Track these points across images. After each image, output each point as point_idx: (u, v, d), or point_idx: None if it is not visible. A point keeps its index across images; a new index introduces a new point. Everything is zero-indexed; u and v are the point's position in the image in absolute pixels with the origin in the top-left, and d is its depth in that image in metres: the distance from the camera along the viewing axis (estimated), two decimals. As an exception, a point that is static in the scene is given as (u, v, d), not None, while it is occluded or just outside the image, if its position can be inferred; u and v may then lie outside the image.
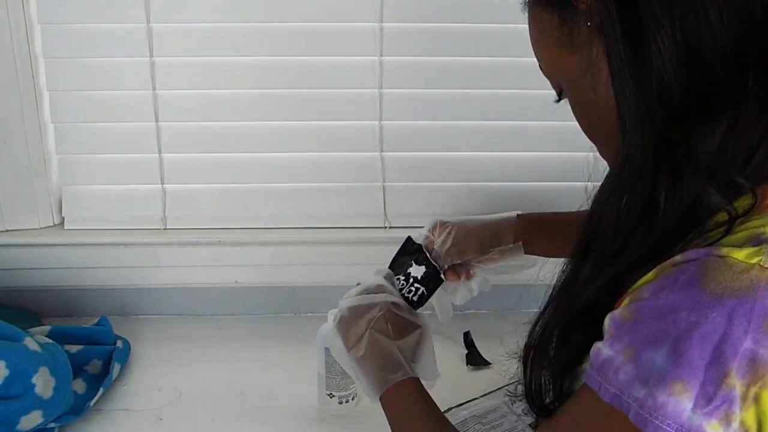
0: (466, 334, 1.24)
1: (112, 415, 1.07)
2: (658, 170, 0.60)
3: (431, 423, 0.82)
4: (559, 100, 0.71)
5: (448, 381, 1.13)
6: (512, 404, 1.07)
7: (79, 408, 1.04)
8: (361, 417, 1.09)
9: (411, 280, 0.96)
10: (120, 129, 1.24)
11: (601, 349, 0.60)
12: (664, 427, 0.55)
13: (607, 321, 0.61)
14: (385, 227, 1.30)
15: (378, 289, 0.92)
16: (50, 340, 1.06)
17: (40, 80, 1.20)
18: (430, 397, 0.85)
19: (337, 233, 1.29)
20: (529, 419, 1.02)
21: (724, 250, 0.56)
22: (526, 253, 0.99)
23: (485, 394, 1.10)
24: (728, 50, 0.57)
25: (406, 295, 0.96)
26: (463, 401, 1.08)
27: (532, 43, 0.71)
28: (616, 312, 0.60)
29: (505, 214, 1.01)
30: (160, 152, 1.25)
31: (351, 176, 1.28)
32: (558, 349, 0.70)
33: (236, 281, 1.31)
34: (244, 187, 1.28)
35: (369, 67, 1.22)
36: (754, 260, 0.55)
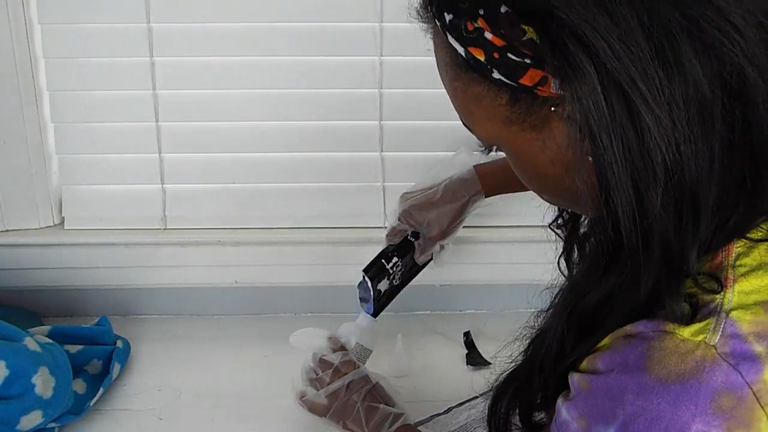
0: (466, 334, 1.24)
1: (112, 415, 1.07)
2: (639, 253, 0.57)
3: None
4: (489, 152, 0.68)
5: (448, 381, 1.14)
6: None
7: (79, 408, 1.04)
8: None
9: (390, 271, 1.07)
10: (120, 129, 1.24)
11: (561, 409, 0.62)
12: None
13: (570, 379, 0.62)
14: (385, 227, 1.29)
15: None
16: (50, 340, 1.06)
17: (40, 80, 1.20)
18: None
19: (337, 233, 1.29)
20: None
21: (670, 326, 0.56)
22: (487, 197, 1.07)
23: (484, 393, 1.10)
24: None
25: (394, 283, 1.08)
26: (463, 401, 1.08)
27: (460, 111, 0.65)
28: (575, 377, 0.61)
29: (463, 175, 1.07)
30: (160, 152, 1.25)
31: (351, 176, 1.28)
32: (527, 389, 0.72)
33: (236, 281, 1.31)
34: (244, 187, 1.28)
35: (369, 67, 1.22)
36: (700, 338, 0.55)
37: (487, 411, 0.75)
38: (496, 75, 0.57)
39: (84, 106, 1.22)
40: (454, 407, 1.07)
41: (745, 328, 0.55)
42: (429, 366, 1.20)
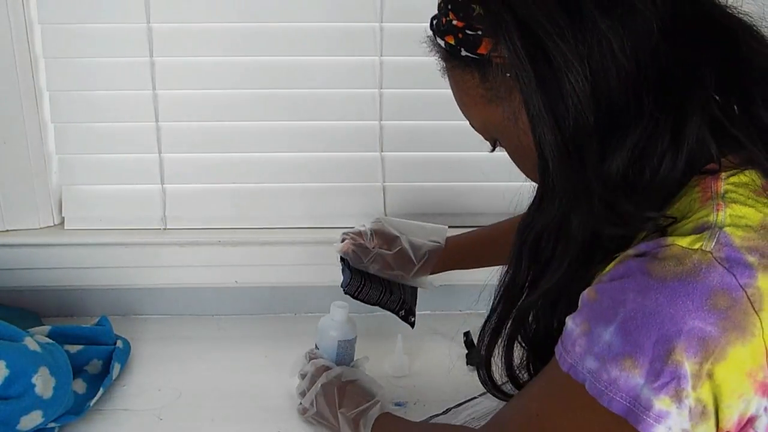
0: (466, 334, 1.24)
1: (112, 415, 1.07)
2: (579, 202, 0.64)
3: None
4: (493, 150, 0.76)
5: (448, 381, 1.14)
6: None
7: (79, 408, 1.04)
8: (361, 417, 1.09)
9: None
10: (120, 129, 1.24)
11: (567, 321, 0.65)
12: (617, 399, 0.60)
13: (582, 294, 0.65)
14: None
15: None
16: (50, 340, 1.06)
17: (40, 80, 1.20)
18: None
19: (337, 233, 1.28)
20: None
21: (669, 240, 0.60)
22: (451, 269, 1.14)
23: (483, 394, 1.10)
24: (631, 77, 0.62)
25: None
26: (462, 401, 1.08)
27: (459, 106, 0.75)
28: (586, 291, 0.64)
29: (433, 245, 1.11)
30: (160, 152, 1.25)
31: (351, 176, 1.28)
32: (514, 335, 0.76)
33: (236, 281, 1.31)
34: (244, 187, 1.28)
35: (369, 67, 1.22)
36: (697, 245, 0.59)
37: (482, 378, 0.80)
38: (463, 53, 0.68)
39: (84, 106, 1.22)
40: (453, 408, 1.07)
41: (737, 242, 0.59)
42: (429, 366, 1.20)
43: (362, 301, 1.08)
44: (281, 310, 1.34)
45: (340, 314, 1.08)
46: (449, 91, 0.76)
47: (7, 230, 1.26)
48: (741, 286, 0.57)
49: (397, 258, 1.09)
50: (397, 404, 1.10)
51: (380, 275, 1.10)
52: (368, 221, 1.12)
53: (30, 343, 1.00)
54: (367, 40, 1.20)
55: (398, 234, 1.10)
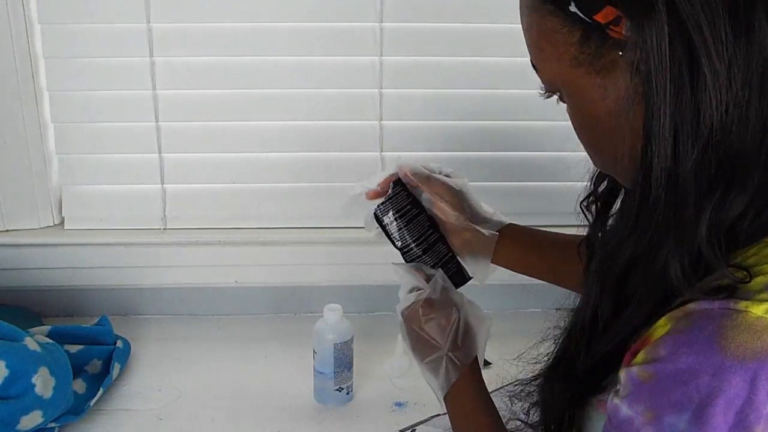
0: (467, 334, 1.24)
1: (112, 415, 1.07)
2: (678, 242, 0.56)
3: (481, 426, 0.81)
4: (548, 97, 0.67)
5: (448, 381, 1.13)
6: (512, 405, 1.06)
7: (79, 408, 1.04)
8: (359, 415, 1.09)
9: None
10: (120, 129, 1.24)
11: (619, 406, 0.58)
12: None
13: (623, 376, 0.59)
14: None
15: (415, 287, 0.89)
16: (50, 340, 1.06)
17: (40, 80, 1.20)
18: (483, 398, 0.84)
19: (337, 233, 1.29)
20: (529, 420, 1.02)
21: (742, 304, 0.53)
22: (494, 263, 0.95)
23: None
24: None
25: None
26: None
27: (531, 49, 0.65)
28: (634, 369, 0.57)
29: (491, 223, 0.96)
30: (160, 152, 1.25)
31: (351, 176, 1.28)
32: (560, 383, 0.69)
33: (236, 281, 1.31)
34: (244, 187, 1.28)
35: (369, 67, 1.22)
36: None
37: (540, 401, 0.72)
38: (572, 8, 0.58)
39: (84, 106, 1.22)
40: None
41: None
42: (429, 366, 1.19)
43: (389, 235, 0.93)
44: (281, 310, 1.34)
45: (333, 317, 1.08)
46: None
47: (7, 230, 1.26)
48: None
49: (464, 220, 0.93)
50: (398, 404, 1.10)
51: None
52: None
53: (30, 343, 1.00)
54: (367, 40, 1.20)
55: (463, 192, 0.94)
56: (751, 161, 0.55)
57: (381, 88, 1.23)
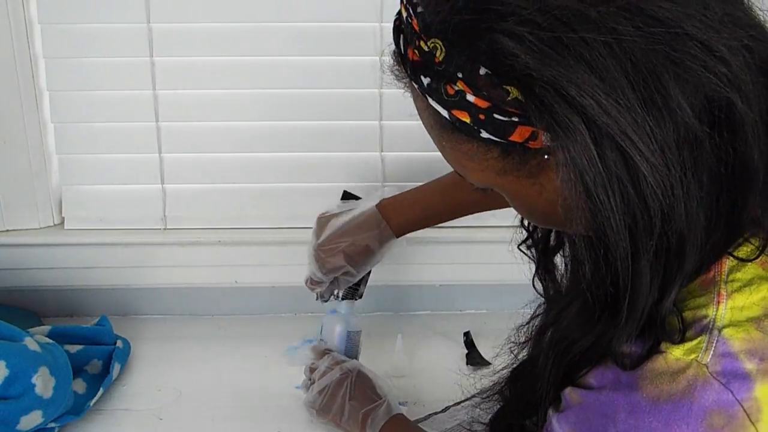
0: (466, 334, 1.24)
1: (112, 415, 1.07)
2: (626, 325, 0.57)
3: None
4: (484, 191, 0.65)
5: (448, 381, 1.14)
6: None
7: (79, 408, 1.04)
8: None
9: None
10: (120, 129, 1.24)
11: (552, 421, 0.62)
12: None
13: (564, 392, 0.62)
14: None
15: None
16: (50, 340, 1.06)
17: (40, 80, 1.20)
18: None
19: (337, 233, 1.29)
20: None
21: (663, 345, 0.56)
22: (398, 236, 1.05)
23: (481, 392, 1.10)
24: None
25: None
26: (460, 400, 1.08)
27: (450, 163, 0.63)
28: (568, 390, 0.61)
29: (368, 209, 1.04)
30: (160, 152, 1.25)
31: (351, 176, 1.28)
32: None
33: (236, 281, 1.31)
34: (244, 187, 1.28)
35: (369, 67, 1.22)
36: (691, 357, 0.55)
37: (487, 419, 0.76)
38: (484, 135, 0.56)
39: (84, 106, 1.22)
40: (451, 406, 1.07)
41: (736, 346, 0.55)
42: (429, 366, 1.20)
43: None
44: (281, 310, 1.34)
45: (347, 307, 1.08)
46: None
47: (7, 230, 1.26)
48: (738, 401, 0.54)
49: (357, 244, 1.03)
50: (397, 404, 1.10)
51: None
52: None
53: (30, 343, 1.00)
54: (367, 40, 1.20)
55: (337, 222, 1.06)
56: (695, 225, 0.54)
57: (381, 88, 1.23)
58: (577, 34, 0.50)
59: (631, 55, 0.50)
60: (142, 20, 1.17)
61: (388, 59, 0.66)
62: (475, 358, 1.21)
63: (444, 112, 0.57)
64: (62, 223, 1.29)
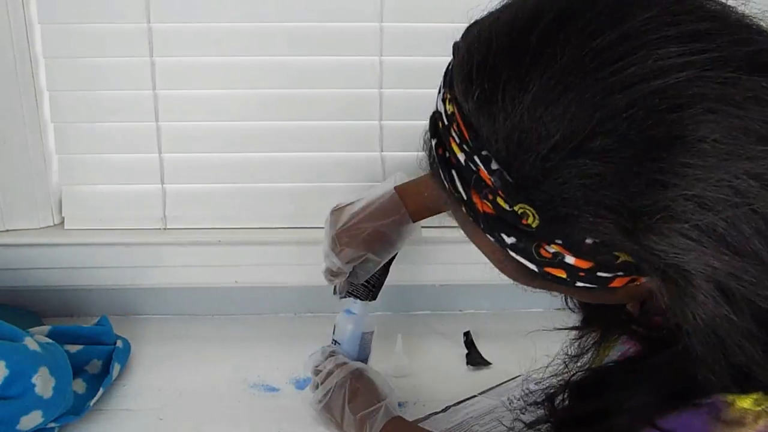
0: (466, 334, 1.24)
1: (112, 415, 1.07)
2: None
3: None
4: None
5: (448, 381, 1.14)
6: (510, 404, 1.07)
7: (79, 408, 1.04)
8: (361, 417, 1.09)
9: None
10: (120, 129, 1.24)
11: None
12: None
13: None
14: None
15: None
16: (50, 340, 1.06)
17: (40, 80, 1.20)
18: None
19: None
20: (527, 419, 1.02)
21: (729, 398, 0.54)
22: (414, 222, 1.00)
23: (483, 392, 1.10)
24: None
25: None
26: (461, 399, 1.08)
27: (500, 270, 0.61)
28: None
29: (385, 194, 1.00)
30: (160, 152, 1.25)
31: (351, 176, 1.28)
32: None
33: (236, 281, 1.31)
34: (244, 187, 1.28)
35: (369, 67, 1.22)
36: (761, 407, 0.53)
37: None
38: (579, 284, 0.53)
39: (84, 106, 1.22)
40: (452, 406, 1.08)
41: None
42: (429, 366, 1.20)
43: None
44: (281, 310, 1.34)
45: (360, 307, 1.07)
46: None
47: (7, 230, 1.26)
48: None
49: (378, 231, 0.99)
50: (397, 404, 1.10)
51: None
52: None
53: (30, 343, 1.00)
54: (367, 40, 1.20)
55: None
56: None
57: (381, 88, 1.23)
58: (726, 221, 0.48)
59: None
60: (142, 20, 1.17)
61: (420, 153, 0.61)
62: (475, 358, 1.21)
63: (533, 266, 0.53)
64: (62, 223, 1.29)
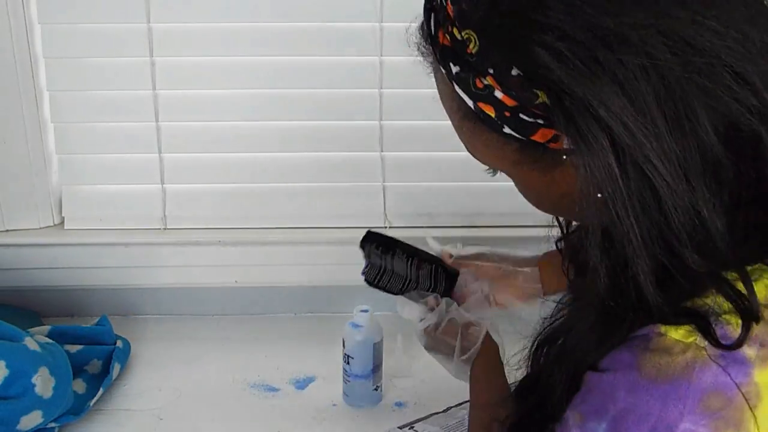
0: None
1: (112, 415, 1.07)
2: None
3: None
4: (494, 174, 0.67)
5: (448, 381, 1.14)
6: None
7: (79, 408, 1.04)
8: (358, 415, 1.09)
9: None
10: (120, 129, 1.24)
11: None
12: None
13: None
14: (386, 227, 1.29)
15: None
16: (50, 340, 1.06)
17: (40, 80, 1.20)
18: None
19: (337, 233, 1.29)
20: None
21: (662, 329, 0.56)
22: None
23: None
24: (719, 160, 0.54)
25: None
26: (462, 401, 1.08)
27: (466, 145, 0.64)
28: (586, 375, 0.61)
29: (529, 261, 1.02)
30: (160, 152, 1.25)
31: (351, 176, 1.28)
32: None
33: (236, 281, 1.31)
34: (244, 187, 1.28)
35: (369, 67, 1.22)
36: (690, 339, 0.55)
37: None
38: (506, 130, 0.57)
39: (84, 106, 1.22)
40: (452, 407, 1.07)
41: (735, 333, 0.55)
42: (429, 366, 1.19)
43: (382, 289, 1.02)
44: (281, 310, 1.34)
45: (365, 318, 1.07)
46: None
47: (7, 230, 1.26)
48: (736, 385, 0.54)
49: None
50: (397, 404, 1.10)
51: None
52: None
53: (30, 343, 1.00)
54: (367, 40, 1.20)
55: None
56: (721, 243, 0.55)
57: (381, 88, 1.23)
58: (615, 55, 0.51)
59: (664, 81, 0.52)
60: (142, 20, 1.17)
61: (414, 32, 0.68)
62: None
63: (470, 102, 0.58)
64: (62, 223, 1.29)
